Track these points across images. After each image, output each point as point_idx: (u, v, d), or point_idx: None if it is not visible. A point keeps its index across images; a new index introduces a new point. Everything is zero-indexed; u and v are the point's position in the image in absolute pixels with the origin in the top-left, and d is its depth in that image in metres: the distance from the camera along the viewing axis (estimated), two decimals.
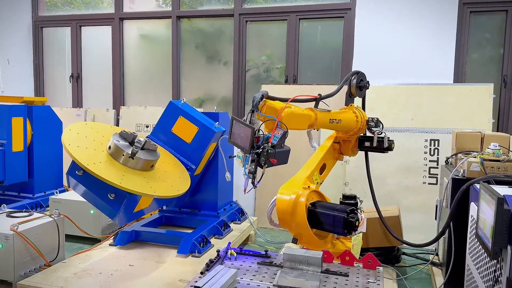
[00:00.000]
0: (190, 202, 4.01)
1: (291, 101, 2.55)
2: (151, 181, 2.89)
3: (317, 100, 2.77)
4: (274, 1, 5.32)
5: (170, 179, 3.10)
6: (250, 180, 2.42)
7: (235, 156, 2.54)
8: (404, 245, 3.68)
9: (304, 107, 2.67)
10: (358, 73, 3.16)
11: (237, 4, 5.35)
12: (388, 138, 3.26)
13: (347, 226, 2.69)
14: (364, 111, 3.29)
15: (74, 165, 2.79)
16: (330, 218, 2.78)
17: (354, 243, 3.05)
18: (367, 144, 3.28)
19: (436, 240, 3.19)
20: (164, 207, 4.04)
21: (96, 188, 2.78)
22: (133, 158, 2.85)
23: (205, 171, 3.91)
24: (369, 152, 3.43)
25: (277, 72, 5.39)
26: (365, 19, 4.82)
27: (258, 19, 5.36)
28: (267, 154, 2.30)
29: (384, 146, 3.24)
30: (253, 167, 2.37)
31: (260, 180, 2.47)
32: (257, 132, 2.37)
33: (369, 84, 3.20)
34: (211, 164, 3.92)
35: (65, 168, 4.68)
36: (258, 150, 2.32)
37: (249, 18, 5.37)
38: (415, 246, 3.37)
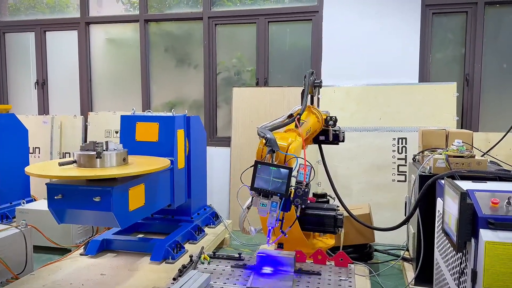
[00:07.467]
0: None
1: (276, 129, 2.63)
2: (125, 167, 2.87)
3: (297, 119, 2.81)
4: (243, 4, 5.33)
5: (144, 163, 3.08)
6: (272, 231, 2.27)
7: (250, 206, 2.29)
8: (376, 242, 3.75)
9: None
10: (313, 72, 3.22)
11: (205, 7, 5.33)
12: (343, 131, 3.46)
13: (337, 224, 2.83)
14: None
15: (50, 193, 2.69)
16: (320, 219, 2.87)
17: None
18: (321, 138, 3.40)
19: (403, 223, 3.29)
20: None
21: (80, 201, 2.68)
22: (100, 157, 2.79)
23: None
24: (341, 153, 3.51)
25: (248, 75, 5.40)
26: (332, 22, 4.90)
27: (227, 22, 5.36)
28: (303, 193, 2.20)
29: (341, 139, 3.40)
30: (280, 212, 2.21)
31: (292, 225, 2.40)
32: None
33: (322, 83, 3.23)
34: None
35: (32, 179, 4.55)
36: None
37: (218, 21, 5.36)
38: (384, 230, 3.44)
